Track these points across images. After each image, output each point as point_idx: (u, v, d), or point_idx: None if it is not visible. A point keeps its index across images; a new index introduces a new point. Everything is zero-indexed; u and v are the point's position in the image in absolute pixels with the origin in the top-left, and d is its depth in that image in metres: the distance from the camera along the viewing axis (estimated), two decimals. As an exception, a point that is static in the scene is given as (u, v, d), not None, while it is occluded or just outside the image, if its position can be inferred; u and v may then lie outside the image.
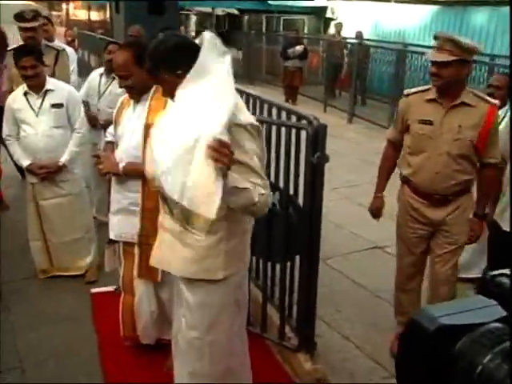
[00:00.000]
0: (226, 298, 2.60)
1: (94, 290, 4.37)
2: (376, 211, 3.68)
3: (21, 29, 5.00)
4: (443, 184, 3.26)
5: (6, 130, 4.26)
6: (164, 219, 2.59)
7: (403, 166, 3.45)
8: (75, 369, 3.46)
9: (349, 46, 12.55)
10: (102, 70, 5.27)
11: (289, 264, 3.54)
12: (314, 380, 3.36)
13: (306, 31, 17.57)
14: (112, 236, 3.34)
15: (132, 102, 3.19)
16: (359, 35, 12.62)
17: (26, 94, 4.17)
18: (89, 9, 23.51)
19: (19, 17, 4.97)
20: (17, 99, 4.20)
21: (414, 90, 3.42)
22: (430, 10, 13.68)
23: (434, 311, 1.06)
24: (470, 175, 3.28)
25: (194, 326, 2.61)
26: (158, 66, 2.44)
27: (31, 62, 4.03)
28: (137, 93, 3.12)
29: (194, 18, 20.71)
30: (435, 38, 3.19)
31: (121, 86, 3.22)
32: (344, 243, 5.25)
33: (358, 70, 11.58)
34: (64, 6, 28.21)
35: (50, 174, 4.24)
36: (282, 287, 3.59)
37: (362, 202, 6.13)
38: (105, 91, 5.11)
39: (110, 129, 3.38)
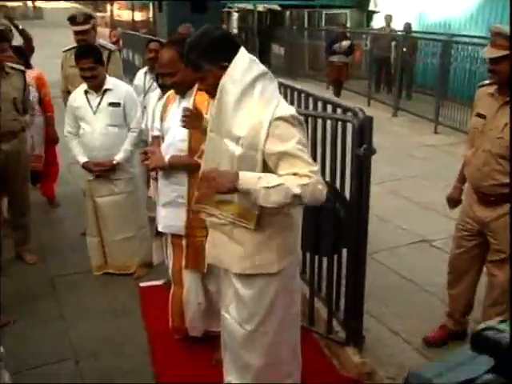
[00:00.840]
0: (280, 290, 2.63)
1: (142, 284, 4.46)
2: (451, 201, 3.61)
3: (73, 32, 5.13)
4: (484, 182, 3.17)
5: (66, 127, 4.40)
6: (215, 219, 2.63)
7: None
8: (126, 360, 3.55)
9: (396, 38, 12.24)
10: (146, 68, 5.37)
11: (336, 258, 3.54)
12: (362, 373, 3.36)
13: (348, 25, 17.38)
14: (160, 228, 3.40)
15: (177, 97, 3.23)
16: (407, 27, 12.37)
17: (86, 92, 4.28)
18: (132, 9, 23.79)
19: (71, 20, 5.11)
20: (77, 97, 4.33)
21: (486, 81, 3.34)
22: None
23: (426, 373, 1.06)
24: None
25: (246, 319, 2.63)
26: (200, 58, 2.42)
27: (89, 64, 4.13)
28: (183, 89, 3.16)
29: (235, 15, 20.78)
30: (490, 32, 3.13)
31: (165, 84, 3.27)
32: (390, 237, 5.20)
33: (405, 62, 11.39)
34: (108, 6, 28.66)
35: (105, 171, 4.32)
36: (329, 281, 3.59)
37: (407, 196, 6.08)
38: (149, 88, 5.18)
39: (157, 123, 3.43)
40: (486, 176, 3.14)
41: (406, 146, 8.14)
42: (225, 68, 2.38)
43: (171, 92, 3.32)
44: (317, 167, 2.40)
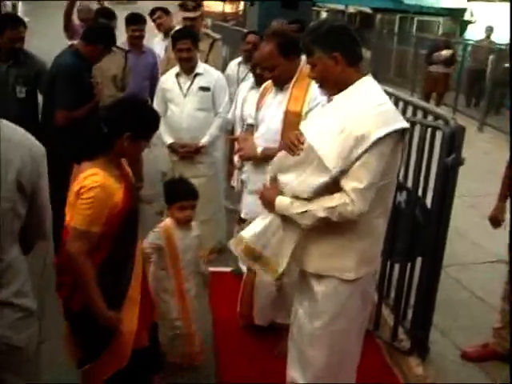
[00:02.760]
0: (353, 294, 2.58)
1: (211, 269, 4.52)
2: (494, 219, 3.59)
3: (182, 18, 5.31)
4: None
5: (155, 107, 4.51)
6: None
7: None
8: None
9: (495, 51, 11.65)
10: (239, 59, 5.42)
11: (409, 265, 3.50)
12: (423, 385, 3.32)
13: (439, 34, 16.99)
14: (243, 215, 3.46)
15: (274, 88, 3.26)
16: None
17: (177, 75, 4.39)
18: (224, 1, 24.19)
19: (182, 7, 5.28)
20: (168, 80, 4.44)
21: None
22: None
23: None
24: None
25: (317, 316, 2.61)
26: (314, 44, 2.39)
27: (188, 45, 4.24)
28: (281, 81, 3.18)
29: (324, 15, 20.72)
30: None
31: (262, 75, 3.31)
32: (465, 252, 5.06)
33: (499, 76, 10.97)
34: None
35: (190, 153, 4.41)
36: (399, 288, 3.55)
37: (486, 213, 5.90)
38: (243, 79, 5.25)
39: (251, 112, 3.47)
40: None
41: (489, 163, 7.90)
42: (335, 59, 2.36)
43: (268, 83, 3.35)
44: (363, 184, 2.27)
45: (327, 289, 2.56)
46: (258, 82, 3.66)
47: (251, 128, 3.44)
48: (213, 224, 4.64)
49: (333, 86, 2.44)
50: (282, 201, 2.45)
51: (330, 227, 2.42)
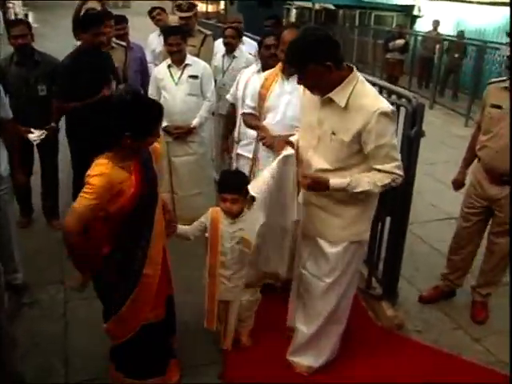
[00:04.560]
0: (357, 251, 2.68)
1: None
2: (456, 183, 3.59)
3: (178, 17, 5.20)
4: (500, 163, 3.16)
5: (149, 95, 4.39)
6: (311, 196, 2.61)
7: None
8: (194, 297, 3.29)
9: (443, 41, 11.67)
10: (223, 51, 5.30)
11: (379, 224, 3.50)
12: (393, 324, 3.35)
13: (393, 26, 16.87)
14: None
15: (280, 77, 3.17)
16: (461, 35, 11.78)
17: (169, 66, 4.31)
18: (206, 2, 23.88)
19: (178, 7, 5.20)
20: (161, 70, 4.35)
21: (494, 79, 3.38)
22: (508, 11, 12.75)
23: None
24: None
25: (327, 273, 2.66)
26: (306, 61, 2.28)
27: (177, 40, 4.16)
28: (290, 71, 3.05)
29: (294, 11, 20.41)
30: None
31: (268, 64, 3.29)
32: (424, 212, 5.09)
33: (454, 65, 11.21)
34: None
35: (183, 134, 4.34)
36: (371, 243, 3.54)
37: (439, 178, 5.93)
38: (228, 68, 5.17)
39: (248, 101, 3.38)
40: (503, 157, 3.11)
41: (440, 135, 7.91)
42: (329, 66, 2.28)
43: (270, 72, 3.26)
44: (399, 162, 2.44)
45: (338, 249, 2.61)
46: (265, 68, 3.55)
47: (252, 117, 3.37)
48: (204, 196, 4.59)
49: (326, 88, 2.39)
50: (335, 183, 2.42)
51: (349, 202, 2.50)
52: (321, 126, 2.48)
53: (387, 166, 2.38)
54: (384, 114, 2.30)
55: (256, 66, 3.78)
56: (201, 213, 4.46)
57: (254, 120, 3.35)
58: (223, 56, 5.29)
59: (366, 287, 3.60)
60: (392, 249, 3.41)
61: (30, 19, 20.24)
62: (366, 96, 2.37)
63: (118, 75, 4.42)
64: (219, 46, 5.42)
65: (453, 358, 3.11)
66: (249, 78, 3.61)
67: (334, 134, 2.41)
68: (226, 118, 4.32)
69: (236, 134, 3.86)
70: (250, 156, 3.49)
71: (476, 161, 3.44)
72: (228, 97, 4.14)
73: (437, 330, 3.39)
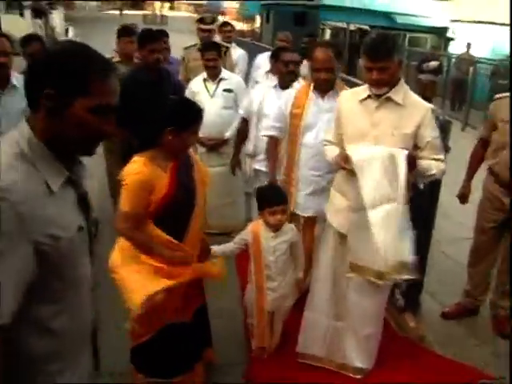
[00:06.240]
0: None
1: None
2: (462, 197, 3.65)
3: (200, 29, 5.41)
4: None
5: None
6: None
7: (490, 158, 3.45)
8: (223, 300, 3.53)
9: (477, 64, 11.71)
10: (263, 69, 5.37)
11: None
12: (415, 336, 3.40)
13: (427, 48, 16.89)
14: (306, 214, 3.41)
15: (315, 94, 3.21)
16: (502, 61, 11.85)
17: (204, 80, 4.49)
18: (242, 20, 24.29)
19: (201, 20, 5.43)
20: (197, 84, 4.54)
21: (500, 95, 3.41)
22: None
23: None
24: None
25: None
26: (393, 51, 2.52)
27: (214, 56, 4.35)
28: (327, 87, 3.18)
29: (328, 32, 20.61)
30: None
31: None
32: (451, 230, 5.11)
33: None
34: (220, 17, 29.37)
35: (216, 145, 4.48)
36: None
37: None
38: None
39: (271, 122, 3.45)
40: None
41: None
42: (400, 63, 2.58)
43: (298, 91, 3.30)
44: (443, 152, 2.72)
45: None
46: (284, 85, 3.64)
47: (277, 130, 3.44)
48: (235, 206, 4.68)
49: (391, 85, 2.61)
50: (419, 163, 2.62)
51: None
52: (376, 127, 2.64)
53: (441, 156, 2.66)
54: (432, 110, 2.63)
55: (270, 81, 3.85)
56: (231, 222, 4.63)
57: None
58: (266, 73, 5.40)
59: (389, 299, 3.64)
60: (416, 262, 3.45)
61: (70, 34, 20.90)
62: (413, 95, 2.68)
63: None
64: (260, 61, 5.56)
65: (475, 372, 3.12)
66: (265, 94, 3.69)
67: (395, 129, 2.61)
68: (237, 133, 4.36)
69: (251, 148, 3.92)
70: None
71: (486, 175, 3.50)
72: (240, 111, 4.23)
73: (458, 344, 3.42)
